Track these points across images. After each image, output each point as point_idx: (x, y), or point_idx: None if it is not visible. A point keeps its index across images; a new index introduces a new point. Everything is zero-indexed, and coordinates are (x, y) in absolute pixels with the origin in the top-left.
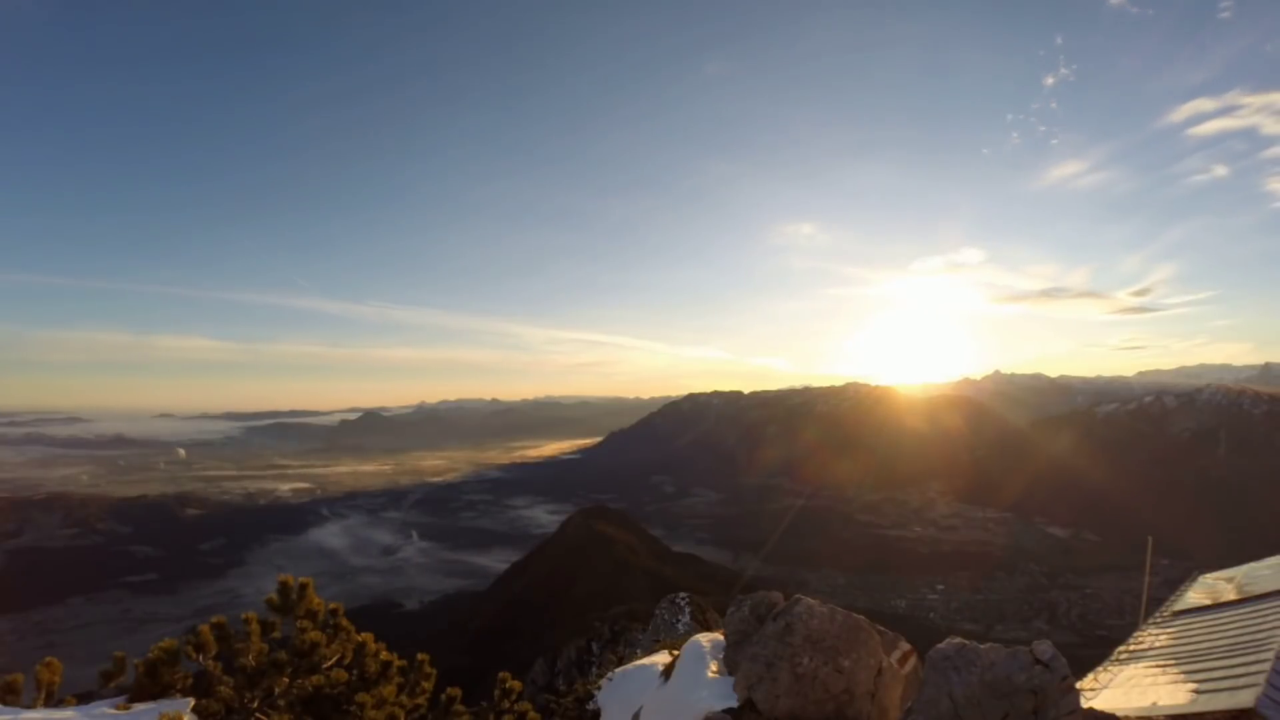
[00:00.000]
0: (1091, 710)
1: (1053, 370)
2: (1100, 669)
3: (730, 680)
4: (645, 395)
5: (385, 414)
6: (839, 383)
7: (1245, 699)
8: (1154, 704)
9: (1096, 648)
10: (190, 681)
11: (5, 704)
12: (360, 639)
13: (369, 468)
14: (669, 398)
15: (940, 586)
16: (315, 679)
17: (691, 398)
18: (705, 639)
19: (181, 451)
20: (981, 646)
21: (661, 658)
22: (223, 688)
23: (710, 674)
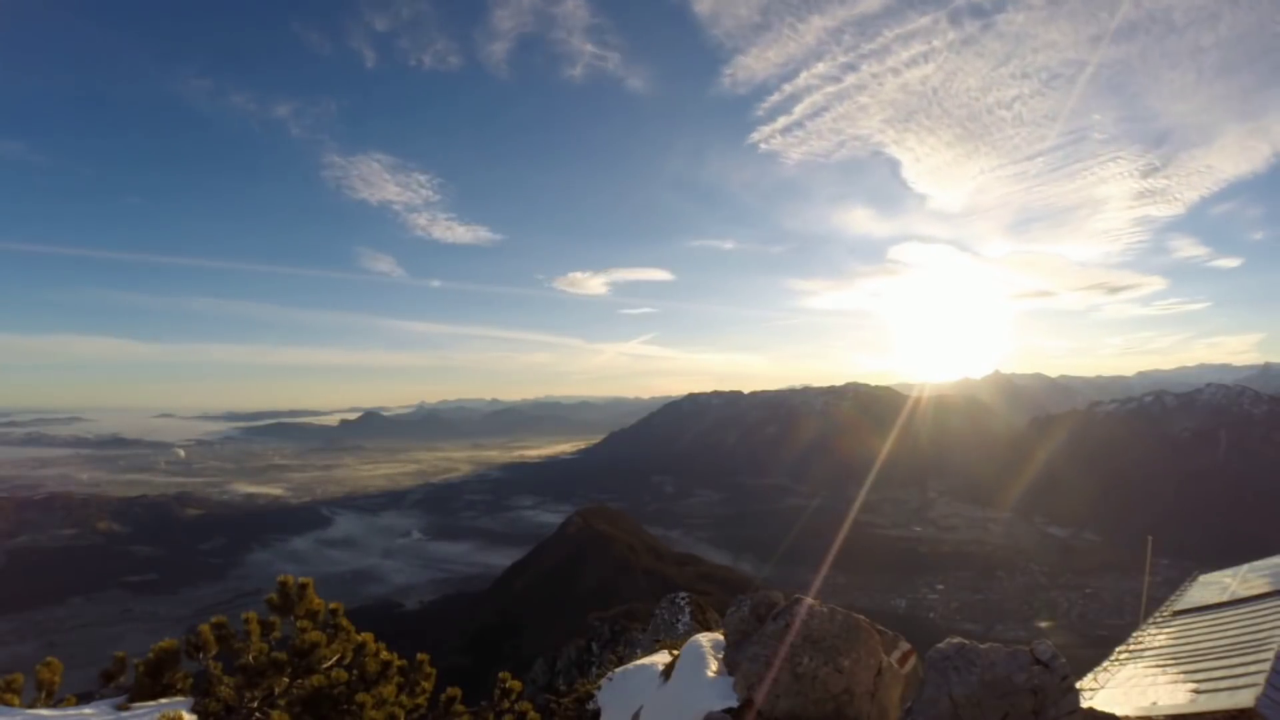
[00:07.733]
0: (1091, 710)
1: (1053, 370)
2: (1100, 669)
3: (730, 680)
4: (645, 395)
5: (385, 414)
6: (838, 382)
7: (1245, 699)
8: (1154, 704)
9: (1096, 648)
10: (190, 681)
11: (5, 704)
12: (360, 639)
13: (369, 468)
14: (669, 397)
15: (940, 586)
16: (315, 679)
17: (692, 398)
18: (705, 639)
19: (181, 451)
20: (981, 646)
21: (661, 658)
22: (223, 688)
23: (710, 674)
